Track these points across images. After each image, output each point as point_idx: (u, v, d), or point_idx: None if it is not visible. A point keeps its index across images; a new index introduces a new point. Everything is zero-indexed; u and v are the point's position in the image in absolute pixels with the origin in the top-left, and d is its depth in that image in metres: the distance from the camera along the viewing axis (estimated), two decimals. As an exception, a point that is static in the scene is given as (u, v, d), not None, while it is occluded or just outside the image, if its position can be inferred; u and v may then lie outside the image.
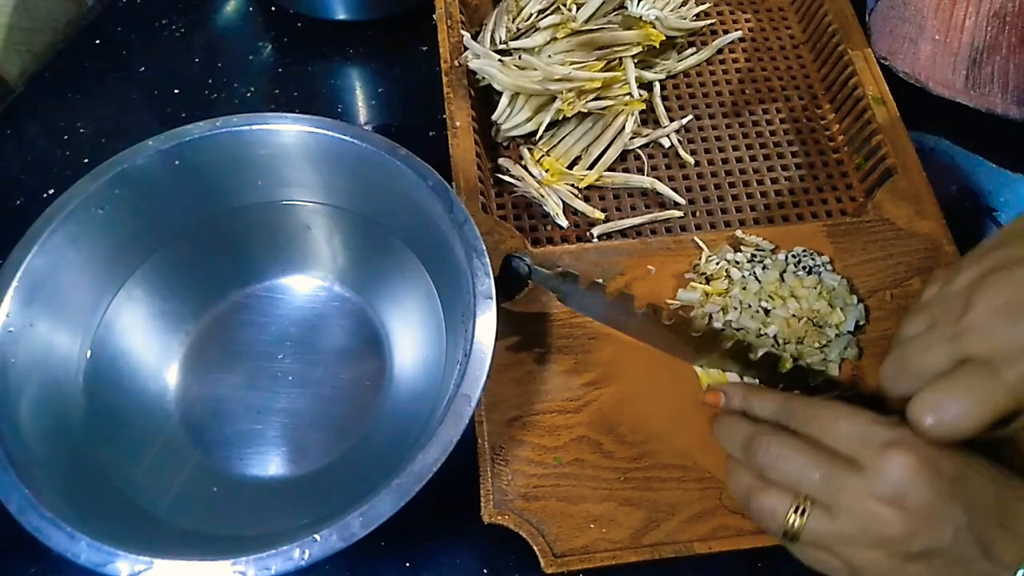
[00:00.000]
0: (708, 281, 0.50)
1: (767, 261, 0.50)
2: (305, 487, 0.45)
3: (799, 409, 0.39)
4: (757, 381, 0.47)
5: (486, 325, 0.40)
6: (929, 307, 0.39)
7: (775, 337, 0.47)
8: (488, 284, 0.41)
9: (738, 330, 0.48)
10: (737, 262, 0.50)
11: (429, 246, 0.46)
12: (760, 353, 0.45)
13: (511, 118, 0.57)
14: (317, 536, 0.35)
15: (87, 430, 0.43)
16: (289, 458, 0.47)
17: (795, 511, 0.37)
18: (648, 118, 0.60)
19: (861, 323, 0.49)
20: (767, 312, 0.48)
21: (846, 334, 0.48)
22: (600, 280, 0.45)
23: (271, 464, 0.46)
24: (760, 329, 0.47)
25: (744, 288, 0.49)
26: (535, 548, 0.42)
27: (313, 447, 0.47)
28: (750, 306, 0.48)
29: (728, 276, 0.49)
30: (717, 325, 0.48)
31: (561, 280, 0.46)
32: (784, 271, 0.50)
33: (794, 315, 0.48)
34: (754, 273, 0.49)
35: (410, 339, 0.49)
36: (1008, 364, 0.34)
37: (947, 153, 0.61)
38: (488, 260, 0.42)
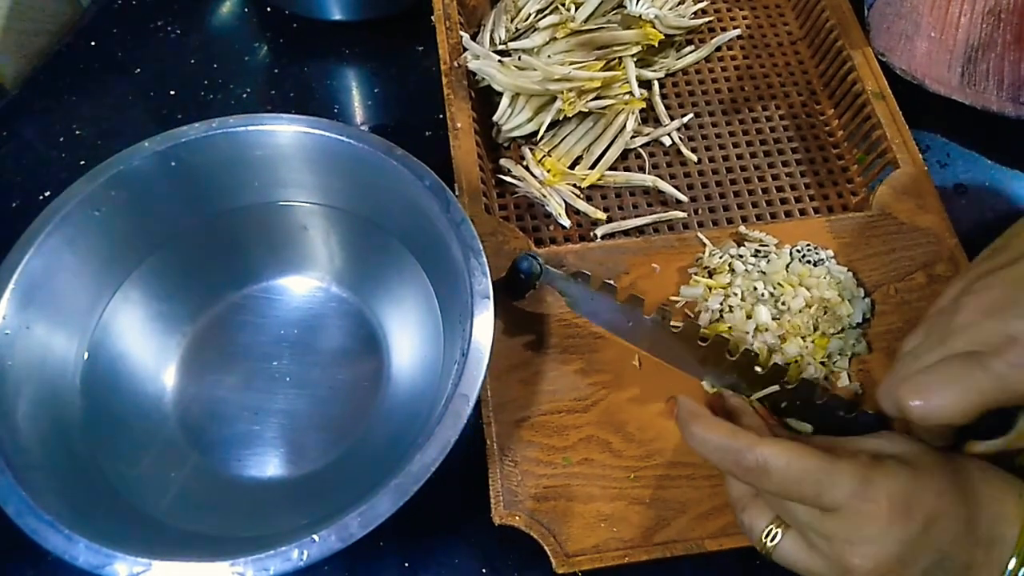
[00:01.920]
0: (711, 275, 0.50)
1: (771, 255, 0.50)
2: (303, 488, 0.45)
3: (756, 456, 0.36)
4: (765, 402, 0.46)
5: (484, 325, 0.40)
6: (924, 323, 0.40)
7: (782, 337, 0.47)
8: (485, 284, 0.41)
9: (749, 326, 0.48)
10: (740, 256, 0.50)
11: (426, 246, 0.46)
12: (768, 365, 0.45)
13: (512, 119, 0.57)
14: (315, 537, 0.35)
15: (85, 432, 0.43)
16: (287, 459, 0.46)
17: (767, 536, 0.37)
18: (648, 117, 0.60)
19: (867, 316, 0.49)
20: (776, 300, 0.48)
21: (854, 328, 0.48)
22: (611, 281, 0.45)
23: (269, 465, 0.46)
24: (772, 316, 0.47)
25: (747, 280, 0.49)
26: (546, 548, 0.42)
27: (311, 448, 0.47)
28: (755, 289, 0.48)
29: (731, 270, 0.49)
30: (715, 307, 0.48)
31: (572, 281, 0.46)
32: (789, 264, 0.49)
33: (806, 304, 0.47)
34: (758, 266, 0.49)
35: (408, 339, 0.49)
36: (995, 354, 0.34)
37: (943, 150, 0.61)
38: (485, 260, 0.42)
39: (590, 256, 0.51)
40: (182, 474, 0.45)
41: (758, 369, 0.45)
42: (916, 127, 0.55)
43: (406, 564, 0.45)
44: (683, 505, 0.44)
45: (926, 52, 0.59)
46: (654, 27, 0.59)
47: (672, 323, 0.46)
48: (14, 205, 0.58)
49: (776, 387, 0.44)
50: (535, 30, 0.58)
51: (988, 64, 0.57)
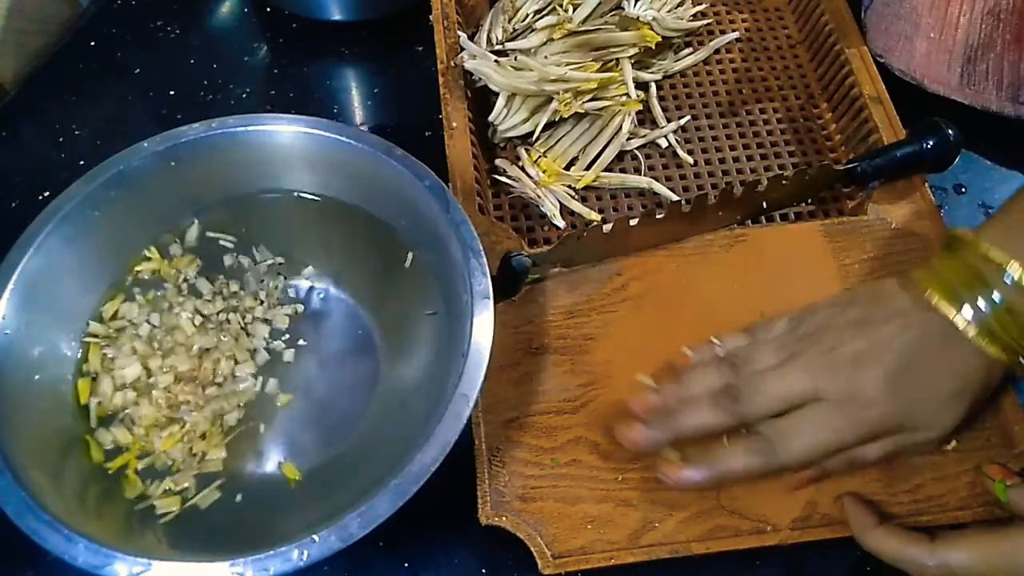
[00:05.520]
0: None
1: None
2: (303, 488, 0.45)
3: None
4: None
5: (483, 325, 0.40)
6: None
7: None
8: (485, 284, 0.41)
9: None
10: None
11: (426, 246, 0.46)
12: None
13: (508, 119, 0.57)
14: (315, 537, 0.35)
15: (84, 432, 0.43)
16: (286, 459, 0.46)
17: None
18: (645, 118, 0.60)
19: None
20: None
21: None
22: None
23: (268, 465, 0.46)
24: None
25: None
26: (532, 549, 0.42)
27: (310, 448, 0.47)
28: None
29: None
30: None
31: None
32: None
33: None
34: None
35: (407, 339, 0.49)
36: None
37: (942, 151, 0.61)
38: (485, 260, 0.42)
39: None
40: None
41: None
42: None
43: (406, 564, 0.45)
44: (670, 508, 0.44)
45: (925, 53, 0.60)
46: (652, 29, 0.59)
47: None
48: (13, 205, 0.58)
49: None
50: (532, 30, 0.58)
51: (987, 64, 0.57)
